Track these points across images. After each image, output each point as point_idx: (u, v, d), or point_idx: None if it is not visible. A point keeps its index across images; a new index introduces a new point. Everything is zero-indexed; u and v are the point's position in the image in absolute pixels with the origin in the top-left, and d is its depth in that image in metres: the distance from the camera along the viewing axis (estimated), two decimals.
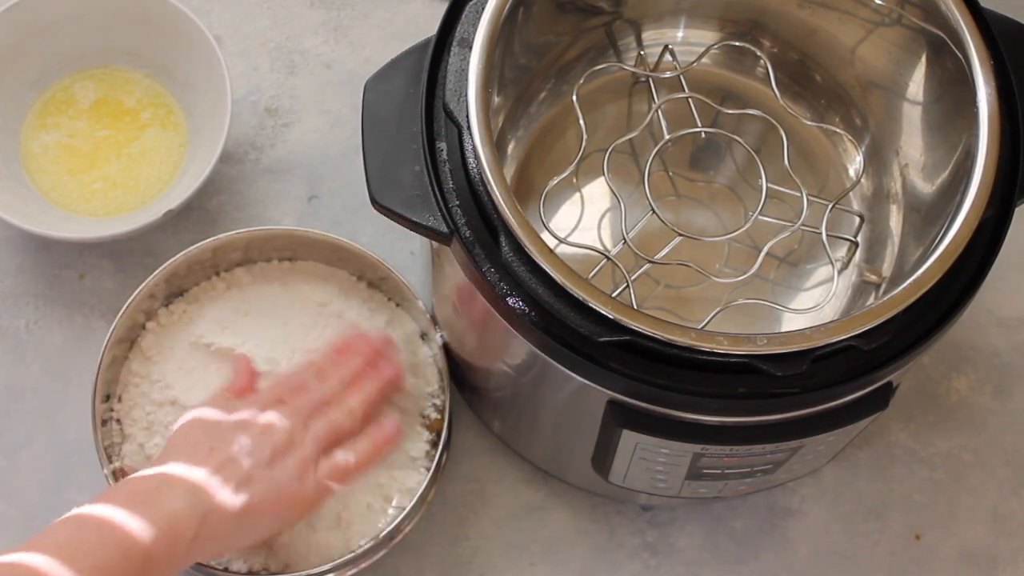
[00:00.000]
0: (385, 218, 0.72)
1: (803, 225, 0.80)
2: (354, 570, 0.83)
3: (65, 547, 0.69)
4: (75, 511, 0.72)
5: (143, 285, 0.86)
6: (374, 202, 0.72)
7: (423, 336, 0.89)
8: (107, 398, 0.86)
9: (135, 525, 0.70)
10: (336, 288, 0.89)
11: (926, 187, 0.80)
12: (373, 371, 0.82)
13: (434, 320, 0.87)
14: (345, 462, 0.78)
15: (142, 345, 0.88)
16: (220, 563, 0.82)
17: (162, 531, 0.71)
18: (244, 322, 0.88)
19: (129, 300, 0.86)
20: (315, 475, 0.77)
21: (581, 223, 0.84)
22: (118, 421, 0.86)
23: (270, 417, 0.78)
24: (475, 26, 0.72)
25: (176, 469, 0.75)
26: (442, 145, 0.72)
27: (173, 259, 0.86)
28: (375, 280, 0.90)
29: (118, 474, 0.84)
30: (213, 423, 0.78)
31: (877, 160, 0.84)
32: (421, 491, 0.83)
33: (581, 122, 0.82)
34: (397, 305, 0.90)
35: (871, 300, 0.80)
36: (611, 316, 0.66)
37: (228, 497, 0.73)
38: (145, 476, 0.75)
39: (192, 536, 0.72)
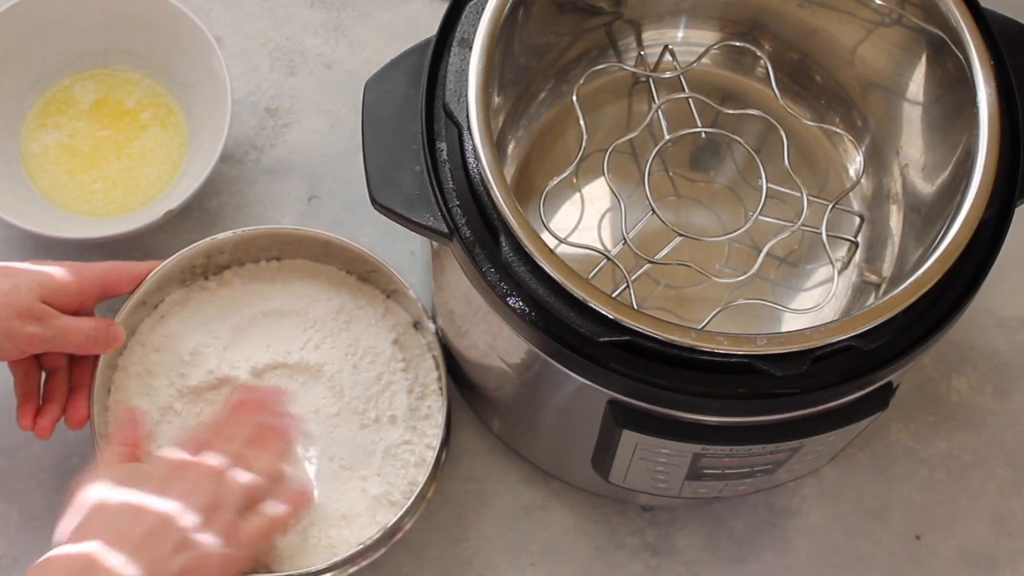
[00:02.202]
0: (385, 218, 0.72)
1: (803, 225, 0.80)
2: (354, 569, 0.83)
3: None
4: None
5: (141, 286, 0.86)
6: (374, 202, 0.72)
7: (416, 325, 0.89)
8: (107, 393, 0.86)
9: None
10: (326, 283, 0.89)
11: (926, 187, 0.80)
12: (271, 428, 0.81)
13: (426, 311, 0.87)
14: (263, 523, 0.75)
15: (138, 342, 0.88)
16: None
17: None
18: (233, 325, 0.88)
19: (128, 301, 0.86)
20: (239, 535, 0.74)
21: (581, 223, 0.84)
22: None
23: (190, 476, 0.75)
24: (475, 26, 0.72)
25: (111, 534, 0.70)
26: (442, 145, 0.72)
27: (163, 264, 0.86)
28: (364, 274, 0.90)
29: None
30: (132, 484, 0.74)
31: (877, 160, 0.84)
32: (420, 489, 0.83)
33: (581, 122, 0.82)
34: (388, 296, 0.90)
35: (871, 300, 0.81)
36: (611, 316, 0.66)
37: (165, 563, 0.70)
38: (79, 545, 0.70)
39: None
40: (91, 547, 0.70)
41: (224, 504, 0.74)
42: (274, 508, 0.76)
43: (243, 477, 0.76)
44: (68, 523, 0.73)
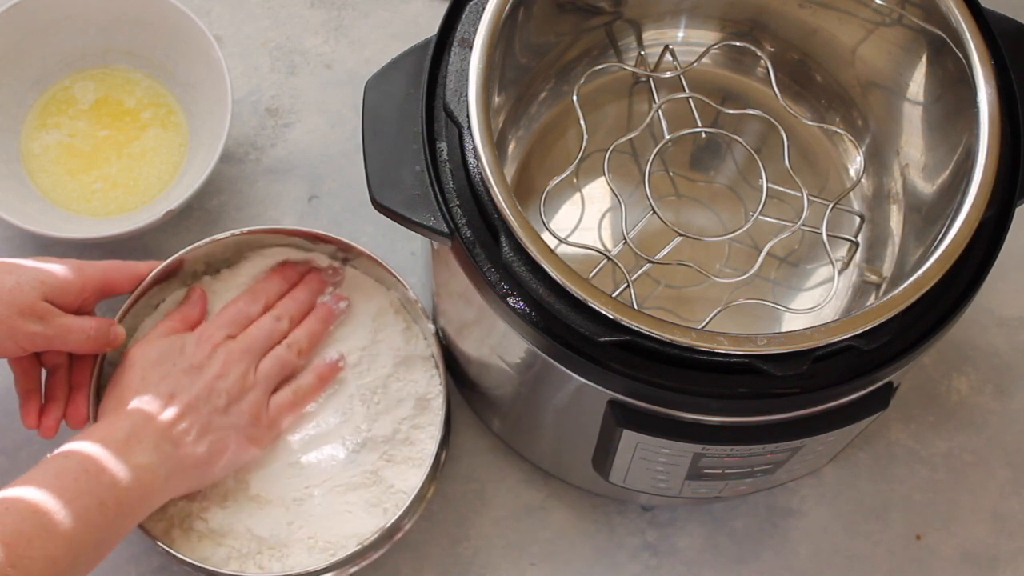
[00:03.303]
0: (386, 218, 0.72)
1: (803, 225, 0.80)
2: (354, 569, 0.84)
3: (54, 490, 0.73)
4: (61, 450, 0.76)
5: (142, 286, 0.86)
6: (374, 202, 0.72)
7: (416, 325, 0.89)
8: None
9: (108, 478, 0.75)
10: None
11: (926, 187, 0.80)
12: (319, 305, 0.88)
13: (426, 311, 0.87)
14: (292, 399, 0.84)
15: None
16: (219, 564, 0.82)
17: (133, 484, 0.76)
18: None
19: (129, 300, 0.86)
20: (267, 414, 0.83)
21: (581, 223, 0.84)
22: None
23: (221, 359, 0.82)
24: (475, 26, 0.72)
25: (140, 418, 0.79)
26: (442, 145, 0.72)
27: (163, 264, 0.86)
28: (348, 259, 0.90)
29: None
30: (168, 363, 0.82)
31: (877, 160, 0.84)
32: (420, 489, 0.83)
33: (582, 122, 0.82)
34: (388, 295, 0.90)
35: (871, 300, 0.80)
36: (611, 316, 0.66)
37: (191, 447, 0.79)
38: (113, 423, 0.79)
39: (161, 485, 0.78)
40: (133, 414, 0.79)
41: (254, 386, 0.83)
42: (301, 381, 0.85)
43: (280, 357, 0.84)
44: (106, 401, 0.82)
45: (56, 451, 0.76)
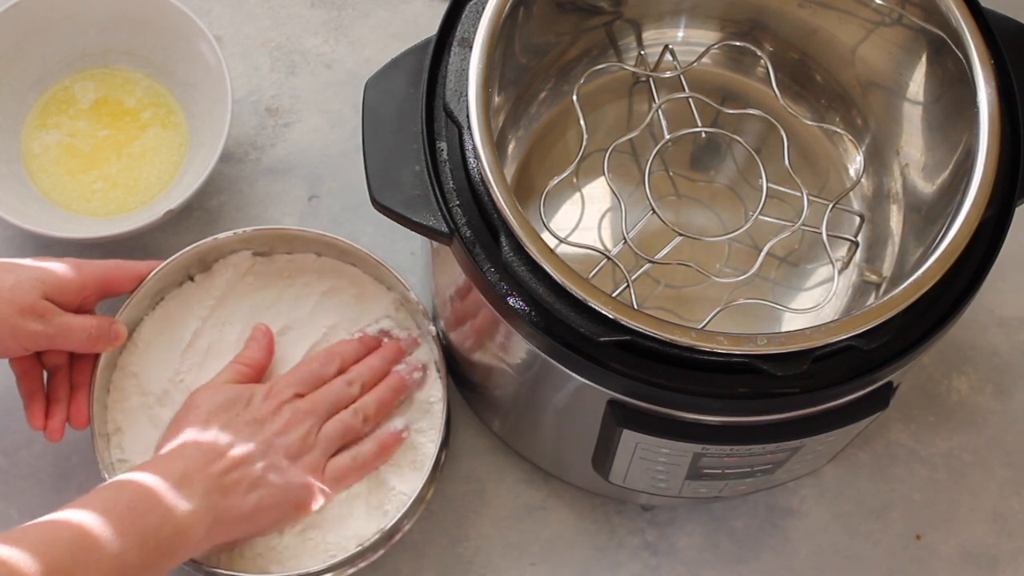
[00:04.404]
0: (386, 218, 0.72)
1: (803, 225, 0.80)
2: (353, 570, 0.83)
3: (101, 523, 0.72)
4: (115, 480, 0.76)
5: (142, 285, 0.86)
6: (374, 202, 0.72)
7: (416, 325, 0.89)
8: (106, 393, 0.86)
9: (154, 520, 0.74)
10: (328, 281, 0.90)
11: (926, 187, 0.80)
12: (392, 373, 0.86)
13: (426, 311, 0.87)
14: (351, 464, 0.83)
15: (137, 342, 0.88)
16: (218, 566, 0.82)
17: (177, 528, 0.74)
18: (231, 310, 0.89)
19: (129, 299, 0.86)
20: (321, 478, 0.81)
21: (581, 223, 0.84)
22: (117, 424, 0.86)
23: (285, 417, 0.81)
24: (475, 26, 0.72)
25: (195, 461, 0.78)
26: (442, 145, 0.72)
27: (164, 263, 0.86)
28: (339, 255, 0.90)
29: (118, 466, 0.84)
30: (232, 412, 0.81)
31: (877, 160, 0.84)
32: (420, 490, 0.83)
33: (581, 122, 0.82)
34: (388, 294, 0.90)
35: (871, 300, 0.80)
36: (611, 316, 0.66)
37: (238, 498, 0.78)
38: (169, 462, 0.77)
39: (204, 534, 0.76)
40: (187, 458, 0.77)
41: (313, 447, 0.82)
42: (363, 448, 0.83)
43: (345, 422, 0.83)
44: (167, 435, 0.81)
45: (110, 480, 0.76)
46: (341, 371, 0.85)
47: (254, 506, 0.78)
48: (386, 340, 0.88)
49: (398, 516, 0.82)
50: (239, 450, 0.79)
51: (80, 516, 0.71)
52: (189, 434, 0.80)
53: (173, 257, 0.87)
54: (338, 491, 0.83)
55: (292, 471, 0.80)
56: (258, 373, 0.85)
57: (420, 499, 0.84)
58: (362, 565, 0.84)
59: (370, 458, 0.84)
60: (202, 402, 0.82)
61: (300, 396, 0.83)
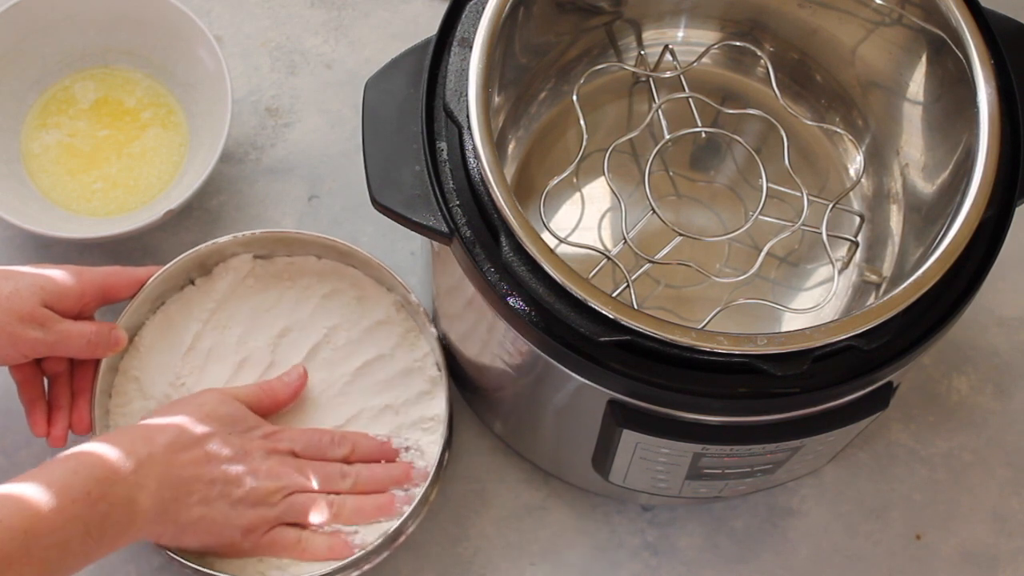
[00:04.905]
0: (386, 218, 0.72)
1: (803, 225, 0.80)
2: (355, 573, 0.83)
3: (67, 497, 0.72)
4: (80, 451, 0.76)
5: (142, 291, 0.86)
6: (374, 202, 0.72)
7: (416, 326, 0.89)
8: (108, 397, 0.86)
9: (104, 508, 0.73)
10: (328, 283, 0.90)
11: (926, 187, 0.80)
12: (387, 495, 0.84)
13: (427, 312, 0.87)
14: (293, 546, 0.81)
15: (138, 346, 0.88)
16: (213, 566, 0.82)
17: (126, 517, 0.75)
18: (231, 313, 0.88)
19: (129, 305, 0.86)
20: (258, 538, 0.80)
21: (581, 223, 0.84)
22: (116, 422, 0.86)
23: (266, 465, 0.81)
24: (475, 26, 0.72)
25: (166, 450, 0.77)
26: (442, 145, 0.72)
27: (164, 268, 0.86)
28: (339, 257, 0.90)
29: None
30: (229, 427, 0.81)
31: (877, 160, 0.84)
32: (423, 493, 0.83)
33: (581, 122, 0.82)
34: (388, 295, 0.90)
35: (871, 300, 0.80)
36: (611, 316, 0.66)
37: (184, 506, 0.78)
38: (134, 442, 0.77)
39: (147, 526, 0.76)
40: (122, 455, 0.75)
41: (274, 506, 0.80)
42: (313, 541, 0.82)
43: (315, 504, 0.82)
44: (161, 409, 0.81)
45: (72, 451, 0.76)
46: (346, 459, 0.84)
47: (196, 518, 0.78)
48: (404, 455, 0.86)
49: (401, 520, 0.82)
50: (210, 469, 0.79)
51: (35, 498, 0.71)
52: (179, 419, 0.80)
53: (173, 262, 0.87)
54: (260, 556, 0.81)
55: (239, 513, 0.79)
56: (274, 407, 0.85)
57: (423, 503, 0.84)
58: (364, 568, 0.83)
59: (314, 552, 0.81)
60: (210, 401, 0.82)
61: (295, 455, 0.83)
